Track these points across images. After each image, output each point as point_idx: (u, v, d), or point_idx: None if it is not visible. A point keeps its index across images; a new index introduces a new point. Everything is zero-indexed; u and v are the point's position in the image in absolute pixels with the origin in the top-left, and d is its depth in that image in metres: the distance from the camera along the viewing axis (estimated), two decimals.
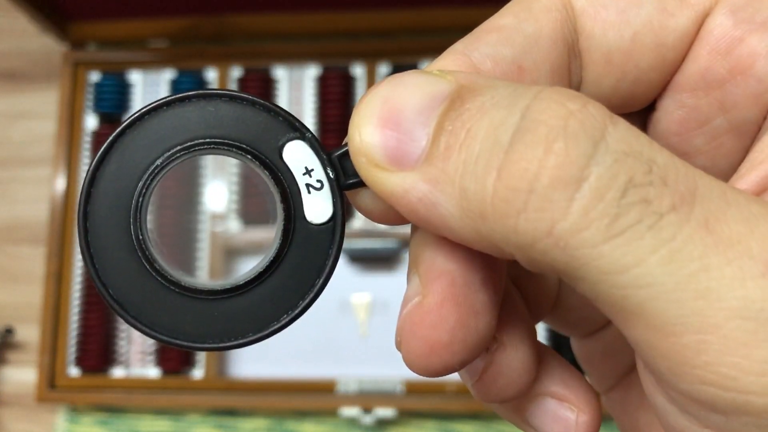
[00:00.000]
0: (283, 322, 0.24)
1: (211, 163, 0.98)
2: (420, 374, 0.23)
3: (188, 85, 1.00)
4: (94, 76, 1.02)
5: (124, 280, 0.24)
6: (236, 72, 1.00)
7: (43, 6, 0.95)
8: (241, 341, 0.24)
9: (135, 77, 1.01)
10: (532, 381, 0.26)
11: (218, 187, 0.98)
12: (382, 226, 0.94)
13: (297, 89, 1.00)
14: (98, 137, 1.00)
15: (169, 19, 1.01)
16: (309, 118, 0.98)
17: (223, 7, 1.00)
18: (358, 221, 0.95)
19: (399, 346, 0.23)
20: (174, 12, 1.00)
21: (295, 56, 1.00)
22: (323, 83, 0.99)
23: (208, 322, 0.24)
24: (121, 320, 0.96)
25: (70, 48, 1.02)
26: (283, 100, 1.00)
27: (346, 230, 0.96)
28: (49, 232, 0.97)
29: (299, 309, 0.24)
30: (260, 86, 0.99)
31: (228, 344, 0.24)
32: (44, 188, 1.01)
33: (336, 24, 1.00)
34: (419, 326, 0.23)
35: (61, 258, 0.96)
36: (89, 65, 1.02)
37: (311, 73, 1.00)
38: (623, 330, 0.20)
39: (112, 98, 1.00)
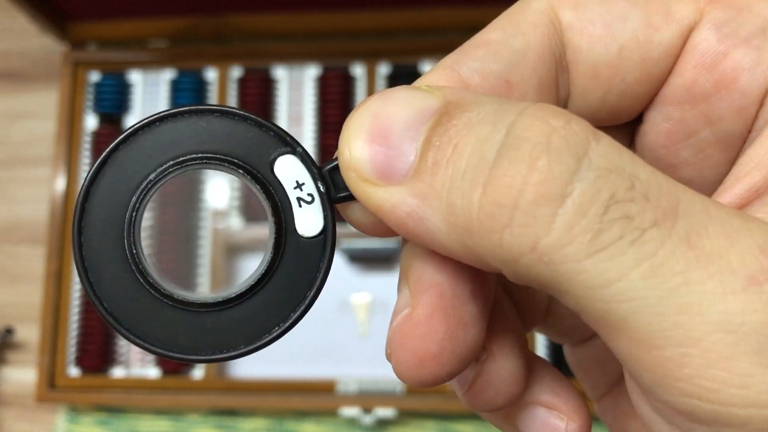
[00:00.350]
0: (275, 334, 0.24)
1: None
2: (410, 385, 0.24)
3: (188, 85, 1.00)
4: (94, 76, 1.02)
5: (118, 293, 0.24)
6: (236, 72, 1.00)
7: (43, 6, 0.95)
8: (233, 353, 0.24)
9: (135, 77, 1.01)
10: (522, 390, 0.26)
11: (220, 184, 0.98)
12: None
13: (297, 89, 1.00)
14: (98, 137, 1.00)
15: (169, 19, 1.01)
16: (309, 118, 0.98)
17: (223, 7, 1.00)
18: None
19: (389, 357, 0.24)
20: (174, 12, 1.00)
21: (295, 56, 1.00)
22: (323, 83, 0.99)
23: (201, 334, 0.24)
24: None
25: (70, 48, 1.02)
26: (283, 100, 1.00)
27: (347, 230, 0.97)
28: (49, 232, 0.97)
29: (290, 321, 0.24)
30: (260, 86, 0.99)
31: (221, 356, 0.24)
32: (44, 188, 1.01)
33: (336, 24, 1.00)
34: (409, 338, 0.23)
35: (61, 258, 0.96)
36: (89, 65, 1.02)
37: (311, 73, 1.00)
38: (608, 342, 0.20)
39: (112, 98, 1.00)
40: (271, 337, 0.24)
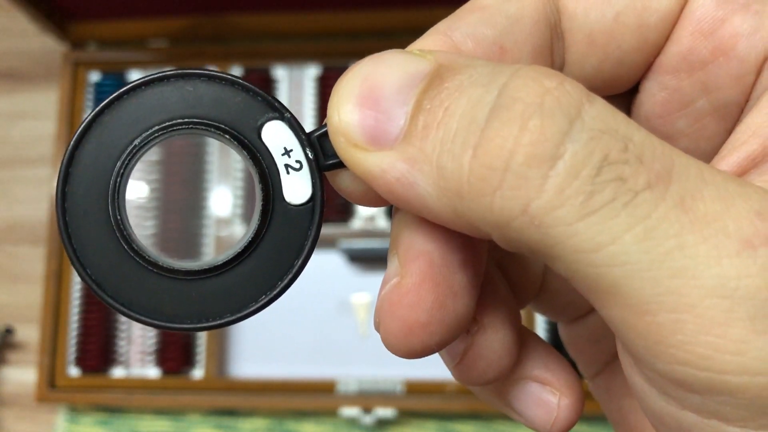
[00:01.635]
0: (262, 302, 0.24)
1: (216, 168, 0.98)
2: (399, 355, 0.23)
3: None
4: (94, 76, 1.02)
5: (103, 260, 0.24)
6: (236, 72, 1.00)
7: (43, 6, 0.95)
8: (219, 321, 0.24)
9: (135, 77, 1.01)
10: (513, 364, 0.26)
11: (223, 191, 0.98)
12: (381, 226, 0.94)
13: (297, 89, 1.00)
14: None
15: (169, 19, 1.01)
16: (309, 118, 0.98)
17: (223, 7, 1.00)
18: (358, 221, 0.95)
19: (377, 326, 0.23)
20: (174, 12, 1.00)
21: (295, 56, 1.00)
22: (323, 83, 0.99)
23: (187, 302, 0.24)
24: (121, 320, 0.96)
25: (70, 48, 1.02)
26: (283, 100, 0.99)
27: (347, 230, 0.96)
28: (49, 232, 0.97)
29: (277, 290, 0.24)
30: (260, 86, 0.99)
31: (206, 324, 0.24)
32: (44, 188, 1.01)
33: (336, 24, 1.00)
34: (397, 306, 0.23)
35: (61, 258, 0.96)
36: (89, 65, 1.02)
37: (311, 73, 1.00)
38: (600, 309, 0.20)
39: None
40: (257, 305, 0.24)
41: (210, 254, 0.96)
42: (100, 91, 1.01)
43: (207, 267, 0.24)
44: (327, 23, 1.00)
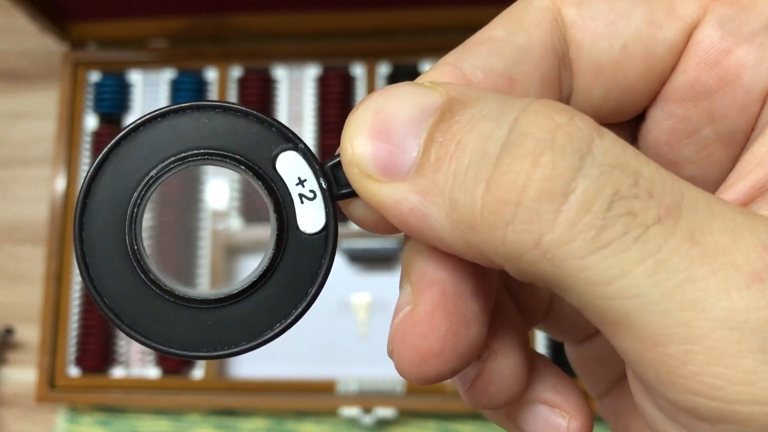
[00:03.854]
0: (276, 330, 0.24)
1: None
2: (413, 382, 0.24)
3: (188, 85, 1.00)
4: (94, 76, 1.02)
5: (119, 289, 0.24)
6: (236, 72, 1.00)
7: (43, 6, 0.95)
8: (234, 350, 0.24)
9: (135, 77, 1.01)
10: (524, 388, 0.26)
11: (219, 185, 0.98)
12: None
13: (297, 89, 1.00)
14: (98, 137, 0.99)
15: (169, 19, 1.01)
16: (309, 118, 0.98)
17: (223, 7, 1.00)
18: None
19: (391, 354, 0.24)
20: (174, 12, 1.00)
21: (295, 56, 1.00)
22: (323, 83, 0.99)
23: (202, 330, 0.24)
24: None
25: (70, 48, 1.02)
26: (283, 100, 1.00)
27: (347, 230, 0.96)
28: (49, 232, 0.97)
29: (292, 318, 0.24)
30: (260, 86, 0.99)
31: (221, 353, 0.24)
32: (44, 188, 1.01)
33: (336, 24, 1.00)
34: (411, 335, 0.23)
35: (61, 258, 0.96)
36: (89, 65, 1.02)
37: (311, 73, 1.00)
38: (611, 340, 0.20)
39: (112, 98, 1.00)
40: (272, 333, 0.24)
41: (206, 247, 0.96)
42: (100, 91, 1.01)
43: (223, 296, 0.24)
44: (327, 23, 1.00)
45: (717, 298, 0.18)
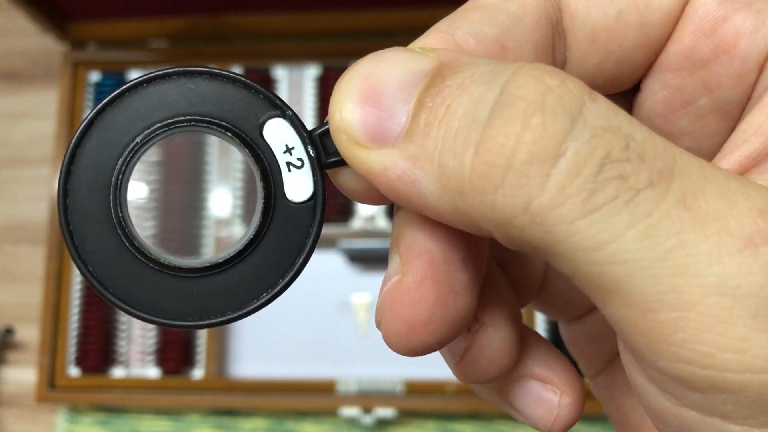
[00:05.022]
0: (263, 300, 0.24)
1: (216, 168, 0.98)
2: (400, 353, 0.23)
3: None
4: (94, 76, 1.02)
5: (104, 258, 0.24)
6: (236, 72, 1.00)
7: (43, 6, 0.95)
8: (220, 319, 0.24)
9: (135, 77, 1.01)
10: (514, 362, 0.26)
11: (223, 192, 0.98)
12: (381, 226, 0.94)
13: (297, 89, 1.00)
14: None
15: (169, 19, 1.01)
16: (309, 118, 0.98)
17: (223, 7, 1.00)
18: (358, 221, 0.95)
19: (378, 324, 0.23)
20: (174, 12, 1.00)
21: (295, 56, 1.00)
22: (323, 83, 0.99)
23: (188, 300, 0.24)
24: (121, 320, 0.96)
25: (70, 48, 1.02)
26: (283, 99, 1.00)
27: (347, 230, 0.96)
28: (49, 232, 0.97)
29: (279, 287, 0.24)
30: (261, 85, 0.99)
31: (207, 322, 0.24)
32: (44, 188, 1.01)
33: (336, 24, 1.00)
34: (398, 304, 0.23)
35: (61, 258, 0.96)
36: (89, 65, 1.02)
37: (311, 73, 1.00)
38: (601, 307, 0.20)
39: None
40: (259, 303, 0.24)
41: (209, 255, 0.96)
42: (100, 91, 1.01)
43: (209, 264, 0.24)
44: (327, 23, 1.00)
45: (709, 263, 0.18)
